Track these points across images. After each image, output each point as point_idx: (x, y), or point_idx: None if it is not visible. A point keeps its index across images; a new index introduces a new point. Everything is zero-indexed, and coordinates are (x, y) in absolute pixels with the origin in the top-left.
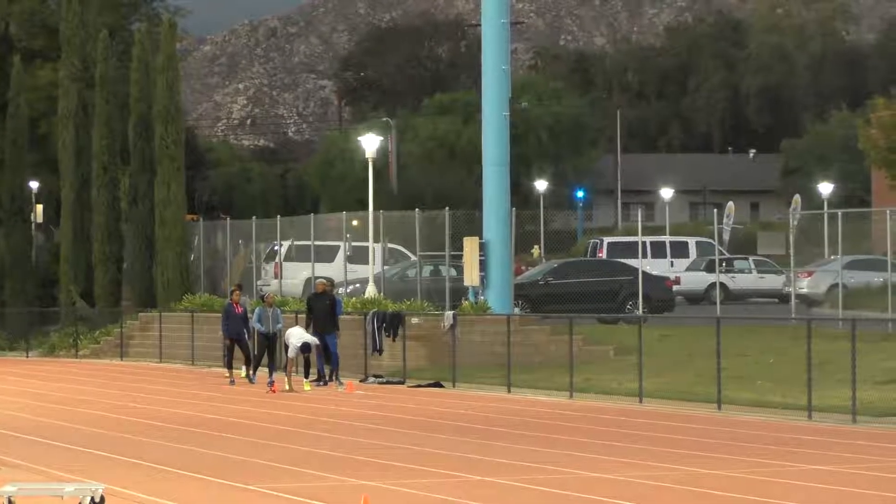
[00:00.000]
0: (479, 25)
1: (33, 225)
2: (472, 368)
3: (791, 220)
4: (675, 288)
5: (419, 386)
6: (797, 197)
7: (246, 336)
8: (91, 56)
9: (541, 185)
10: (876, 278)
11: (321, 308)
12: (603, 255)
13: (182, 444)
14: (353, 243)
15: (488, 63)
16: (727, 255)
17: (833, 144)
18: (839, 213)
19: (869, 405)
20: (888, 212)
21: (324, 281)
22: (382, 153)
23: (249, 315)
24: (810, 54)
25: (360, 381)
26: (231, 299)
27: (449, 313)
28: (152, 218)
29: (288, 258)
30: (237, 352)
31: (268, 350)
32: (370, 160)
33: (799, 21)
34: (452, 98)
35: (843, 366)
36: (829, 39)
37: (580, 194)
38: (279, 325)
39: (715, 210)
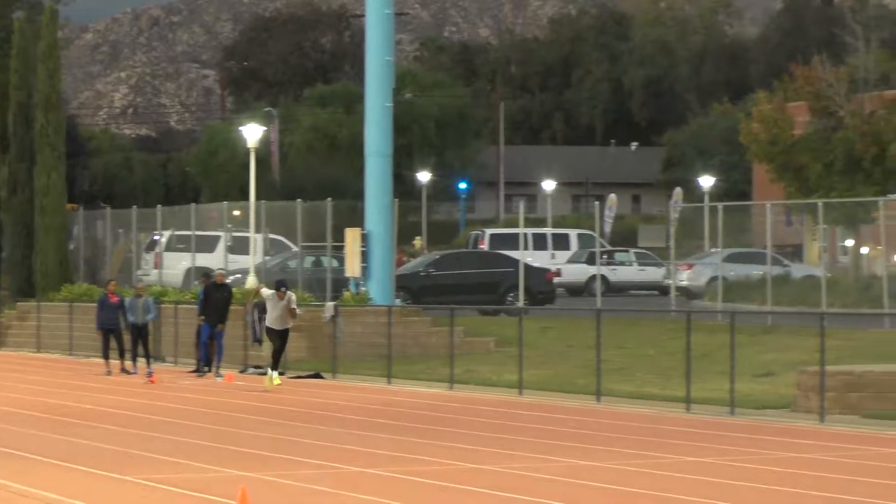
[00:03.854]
0: (364, 16)
1: None
2: (353, 360)
3: (672, 213)
4: (556, 280)
5: (299, 377)
6: (678, 190)
7: (122, 327)
8: None
9: (423, 176)
10: (755, 271)
11: (219, 299)
12: (485, 246)
13: (58, 434)
14: (234, 233)
15: (372, 54)
16: (608, 248)
17: (714, 138)
18: (720, 207)
19: (747, 397)
20: (768, 205)
21: (223, 272)
22: (265, 143)
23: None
24: (693, 47)
25: (240, 373)
26: (107, 290)
27: (330, 304)
28: (32, 207)
29: (168, 248)
30: (114, 342)
31: (141, 340)
32: (252, 150)
33: (681, 14)
34: (332, 89)
35: (721, 358)
36: (711, 33)
37: (463, 186)
38: (150, 316)
39: (597, 202)
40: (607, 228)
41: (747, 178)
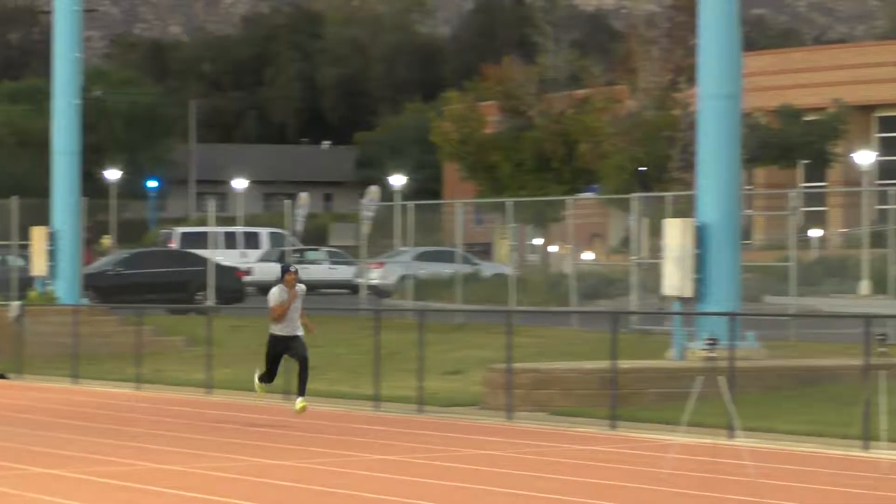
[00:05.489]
0: (51, 12)
1: None
2: (40, 359)
3: (366, 212)
4: (246, 278)
5: None
6: (373, 188)
7: None
8: None
9: (113, 174)
10: (446, 269)
11: None
12: (175, 245)
13: None
14: None
15: (60, 50)
16: (300, 246)
17: (407, 137)
18: (410, 205)
19: (435, 395)
20: (458, 204)
21: None
22: None
23: None
24: (385, 47)
25: None
26: None
27: (15, 303)
28: None
29: None
30: None
31: None
32: None
33: (374, 13)
34: (21, 86)
35: (411, 356)
36: (404, 32)
37: (153, 184)
38: None
39: (288, 201)
40: (299, 227)
41: (438, 176)
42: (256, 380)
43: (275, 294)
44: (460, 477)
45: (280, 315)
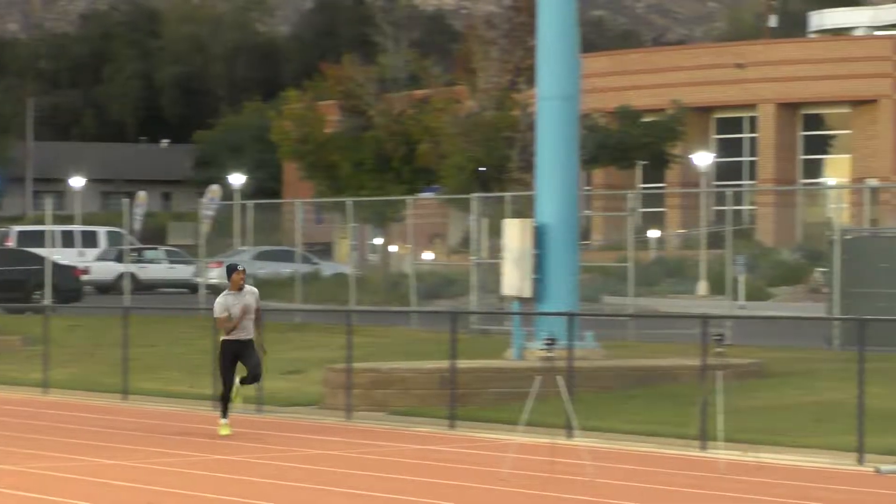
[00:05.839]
0: None
1: None
2: None
3: (207, 211)
4: (84, 277)
5: None
6: (214, 186)
7: None
8: None
9: None
10: (285, 269)
11: None
12: (12, 244)
13: None
14: None
15: None
16: (138, 245)
17: (246, 136)
18: (250, 204)
19: (275, 395)
20: (298, 203)
21: None
22: None
23: None
24: (225, 45)
25: None
26: None
27: None
28: None
29: None
30: None
31: None
32: None
33: (214, 12)
34: None
35: None
36: (243, 31)
37: None
38: None
39: (126, 199)
40: (137, 226)
41: (278, 176)
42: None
43: (219, 304)
44: (300, 477)
45: (231, 329)
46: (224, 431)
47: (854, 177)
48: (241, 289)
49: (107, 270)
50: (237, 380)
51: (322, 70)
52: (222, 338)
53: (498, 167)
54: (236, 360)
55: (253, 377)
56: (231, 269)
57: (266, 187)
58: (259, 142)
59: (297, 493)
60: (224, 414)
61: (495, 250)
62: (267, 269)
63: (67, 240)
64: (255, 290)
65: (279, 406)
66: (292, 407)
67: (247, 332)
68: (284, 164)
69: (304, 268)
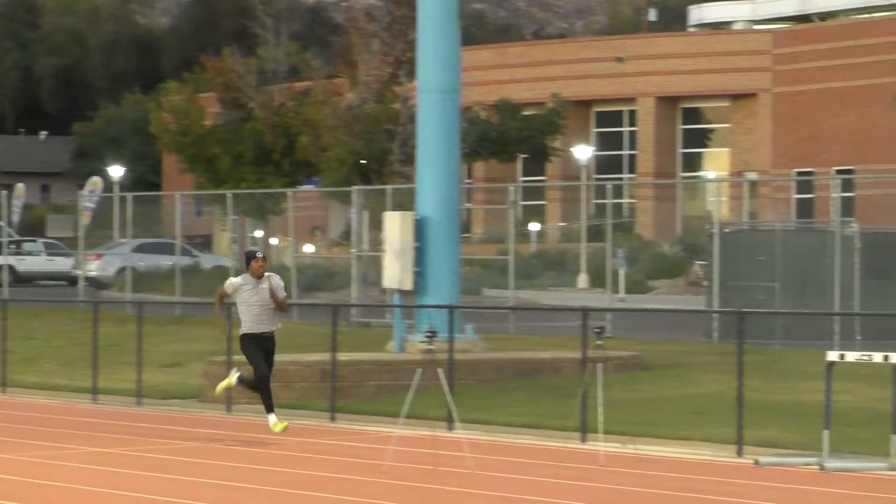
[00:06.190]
0: None
1: None
2: None
3: (87, 203)
4: None
5: None
6: (96, 179)
7: None
8: None
9: None
10: (165, 261)
11: None
12: None
13: None
14: None
15: None
16: (16, 238)
17: (126, 128)
18: (129, 196)
19: (154, 388)
20: (177, 195)
21: None
22: None
23: None
24: (104, 37)
25: None
26: None
27: None
28: None
29: None
30: None
31: None
32: None
33: (93, 3)
34: None
35: (130, 349)
36: (122, 22)
37: None
38: None
39: (4, 192)
40: (15, 218)
41: (158, 168)
42: (232, 381)
43: (232, 282)
44: (178, 469)
45: (219, 298)
46: (279, 428)
47: (733, 170)
48: (260, 277)
49: None
50: (234, 374)
51: (202, 62)
52: (243, 331)
53: (379, 160)
54: (263, 352)
55: (253, 384)
56: (250, 256)
57: (146, 179)
58: (139, 134)
59: (174, 486)
60: (269, 408)
61: (376, 243)
62: (146, 261)
63: None
64: (277, 276)
65: (159, 399)
66: (172, 400)
67: (266, 325)
68: (164, 157)
69: (184, 260)
